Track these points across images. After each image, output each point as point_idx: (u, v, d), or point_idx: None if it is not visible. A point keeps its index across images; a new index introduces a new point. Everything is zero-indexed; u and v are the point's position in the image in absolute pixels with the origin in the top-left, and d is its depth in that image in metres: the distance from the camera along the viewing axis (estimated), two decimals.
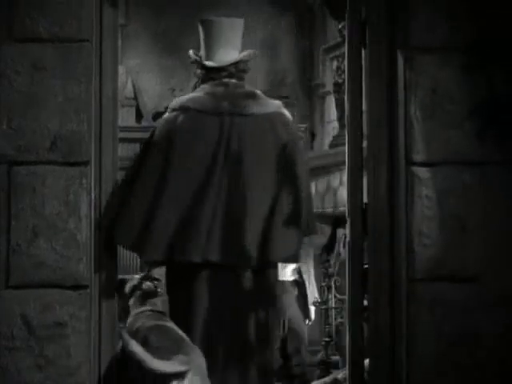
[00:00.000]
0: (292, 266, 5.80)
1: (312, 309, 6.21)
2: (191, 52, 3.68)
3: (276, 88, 7.93)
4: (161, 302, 3.47)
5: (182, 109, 3.49)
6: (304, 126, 7.91)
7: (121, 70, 7.84)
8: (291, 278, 5.78)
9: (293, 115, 7.93)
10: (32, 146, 2.89)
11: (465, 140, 3.01)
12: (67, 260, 2.87)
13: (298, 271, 5.85)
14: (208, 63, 3.59)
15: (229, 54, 3.59)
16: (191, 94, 3.58)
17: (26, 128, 2.89)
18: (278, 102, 3.65)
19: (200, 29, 3.66)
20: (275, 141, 3.50)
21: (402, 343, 3.01)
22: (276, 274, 3.57)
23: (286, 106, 7.92)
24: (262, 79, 8.01)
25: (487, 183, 3.02)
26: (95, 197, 2.96)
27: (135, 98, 7.98)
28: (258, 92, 3.61)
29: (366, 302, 3.18)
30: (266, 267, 3.48)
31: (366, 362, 3.18)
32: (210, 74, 3.58)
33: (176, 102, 3.55)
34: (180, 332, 3.19)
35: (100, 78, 3.00)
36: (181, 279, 3.46)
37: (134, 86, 8.01)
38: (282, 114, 3.61)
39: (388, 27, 3.09)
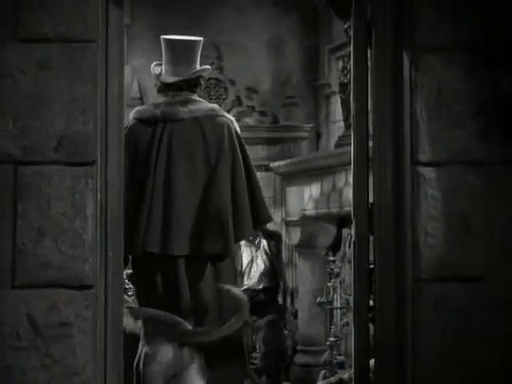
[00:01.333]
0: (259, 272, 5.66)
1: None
2: (153, 65, 4.13)
3: (281, 88, 7.93)
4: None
5: (132, 119, 4.04)
6: (309, 126, 7.91)
7: (126, 70, 7.87)
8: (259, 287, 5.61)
9: (298, 115, 7.99)
10: (38, 146, 2.88)
11: (470, 140, 3.01)
12: (73, 260, 2.86)
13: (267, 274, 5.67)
14: (162, 79, 4.08)
15: (183, 71, 4.03)
16: (142, 106, 4.17)
17: (31, 128, 2.88)
18: (211, 106, 4.06)
19: (162, 45, 4.08)
20: (204, 141, 3.93)
21: (407, 343, 3.01)
22: (229, 261, 3.98)
23: (291, 105, 7.96)
24: (267, 79, 8.03)
25: (492, 183, 3.01)
26: (101, 197, 2.94)
27: (141, 98, 7.99)
28: (196, 98, 4.03)
29: (371, 302, 3.18)
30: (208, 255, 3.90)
31: (372, 362, 3.18)
32: (164, 87, 4.07)
33: (132, 113, 4.08)
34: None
35: (106, 78, 2.99)
36: (140, 270, 3.92)
37: (139, 86, 8.02)
38: (214, 116, 4.00)
39: (393, 27, 3.08)
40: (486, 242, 2.99)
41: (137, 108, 4.14)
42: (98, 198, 2.93)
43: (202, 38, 4.09)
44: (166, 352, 3.32)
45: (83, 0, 2.92)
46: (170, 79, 4.04)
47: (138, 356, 3.44)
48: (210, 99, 7.93)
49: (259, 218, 4.06)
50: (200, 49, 4.09)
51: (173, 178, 3.89)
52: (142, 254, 3.88)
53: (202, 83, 4.12)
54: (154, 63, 4.14)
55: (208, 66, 4.11)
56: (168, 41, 4.08)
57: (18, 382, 2.84)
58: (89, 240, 2.88)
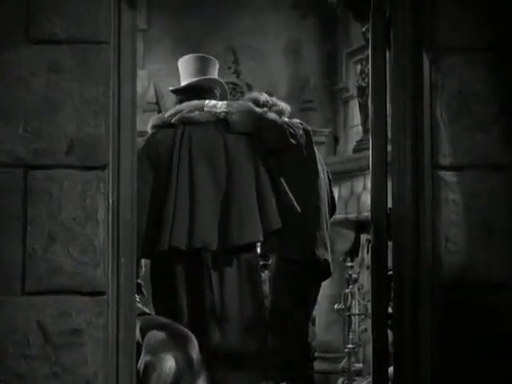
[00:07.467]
0: None
1: None
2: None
3: (299, 92, 7.89)
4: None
5: (151, 127, 4.17)
6: (327, 130, 7.86)
7: (143, 74, 7.87)
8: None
9: (316, 120, 7.95)
10: (49, 149, 2.86)
11: (492, 142, 2.97)
12: (84, 266, 2.84)
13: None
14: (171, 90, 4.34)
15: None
16: (158, 115, 4.36)
17: (42, 131, 2.86)
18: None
19: (179, 66, 4.31)
20: (223, 141, 4.03)
21: (426, 351, 2.97)
22: (253, 256, 4.05)
23: (309, 110, 7.93)
24: (285, 83, 7.99)
25: None
26: (113, 201, 2.92)
27: (157, 102, 7.97)
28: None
29: (390, 309, 3.15)
30: (236, 250, 3.95)
31: (391, 369, 3.15)
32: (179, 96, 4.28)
33: (151, 121, 4.22)
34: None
35: (118, 80, 2.96)
36: (163, 267, 3.96)
37: (155, 91, 8.00)
38: (227, 120, 4.09)
39: (413, 27, 3.05)
40: (510, 248, 2.95)
41: (153, 117, 4.26)
42: (110, 202, 2.90)
43: (212, 57, 4.30)
44: (167, 361, 3.32)
45: (95, 1, 2.90)
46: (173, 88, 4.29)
47: (138, 366, 3.44)
48: None
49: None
50: (211, 65, 4.27)
51: (195, 178, 3.97)
52: (168, 251, 3.91)
53: (215, 93, 4.23)
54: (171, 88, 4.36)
55: (207, 77, 4.21)
56: (183, 60, 4.29)
57: None
58: (100, 245, 2.85)
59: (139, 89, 6.97)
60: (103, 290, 2.86)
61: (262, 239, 4.00)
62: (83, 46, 2.88)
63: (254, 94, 4.79)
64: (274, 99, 4.78)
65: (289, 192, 4.11)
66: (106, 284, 2.86)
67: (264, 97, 4.72)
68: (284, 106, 4.75)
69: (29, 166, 2.85)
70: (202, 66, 4.21)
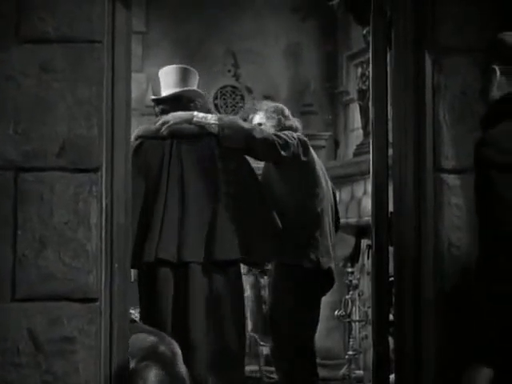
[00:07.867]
0: None
1: None
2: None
3: (299, 96, 7.85)
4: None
5: (137, 138, 4.09)
6: (327, 134, 7.82)
7: (142, 78, 7.82)
8: None
9: (316, 123, 7.90)
10: (40, 151, 2.81)
11: None
12: (76, 272, 2.79)
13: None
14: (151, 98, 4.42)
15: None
16: (143, 126, 4.28)
17: (33, 132, 2.81)
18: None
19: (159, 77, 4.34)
20: (213, 158, 4.02)
21: (428, 357, 2.94)
22: (237, 270, 4.03)
23: (309, 113, 7.88)
24: (284, 87, 7.95)
25: None
26: (106, 205, 2.87)
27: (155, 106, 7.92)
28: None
29: (391, 316, 3.12)
30: (220, 263, 3.92)
31: (392, 377, 3.13)
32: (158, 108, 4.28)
33: (136, 131, 4.14)
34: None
35: (112, 80, 2.92)
36: (149, 278, 3.90)
37: (154, 95, 7.95)
38: (215, 134, 4.06)
39: (414, 28, 3.02)
40: None
41: (139, 127, 4.23)
42: (103, 206, 2.86)
43: (193, 69, 4.30)
44: (151, 370, 3.28)
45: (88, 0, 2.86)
46: (153, 96, 4.37)
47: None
48: (227, 107, 7.86)
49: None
50: (192, 76, 4.27)
51: (186, 191, 3.95)
52: (154, 262, 3.87)
53: (197, 104, 4.21)
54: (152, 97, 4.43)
55: (190, 88, 4.21)
56: (165, 70, 4.30)
57: None
58: (93, 250, 2.81)
59: (138, 92, 6.91)
60: (96, 297, 2.81)
61: (244, 256, 3.96)
62: (75, 45, 2.84)
63: (277, 104, 4.76)
64: (290, 115, 4.78)
65: (275, 216, 4.12)
66: (98, 290, 2.82)
67: (287, 111, 4.72)
68: (296, 122, 4.74)
69: (19, 168, 2.81)
70: (184, 77, 4.21)
